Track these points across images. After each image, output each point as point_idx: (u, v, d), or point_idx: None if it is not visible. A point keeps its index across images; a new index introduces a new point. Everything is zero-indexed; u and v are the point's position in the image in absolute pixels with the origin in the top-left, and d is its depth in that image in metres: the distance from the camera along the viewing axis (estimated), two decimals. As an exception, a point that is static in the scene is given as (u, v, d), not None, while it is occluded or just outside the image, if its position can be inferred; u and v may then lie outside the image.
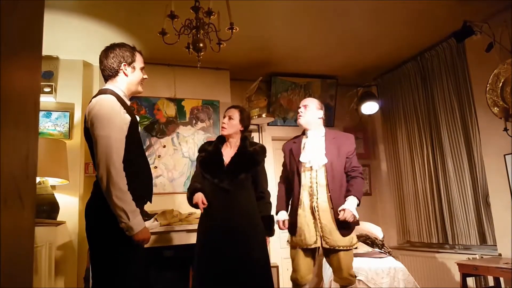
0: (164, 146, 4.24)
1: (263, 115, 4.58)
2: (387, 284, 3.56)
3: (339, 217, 2.63)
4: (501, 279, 3.47)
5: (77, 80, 4.09)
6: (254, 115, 4.50)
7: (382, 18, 3.65)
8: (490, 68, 3.49)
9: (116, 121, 1.84)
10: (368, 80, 5.25)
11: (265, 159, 2.87)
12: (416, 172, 4.63)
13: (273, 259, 4.14)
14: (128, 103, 2.01)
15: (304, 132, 2.95)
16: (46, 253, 3.09)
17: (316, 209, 2.70)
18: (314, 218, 2.72)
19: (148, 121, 4.24)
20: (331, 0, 3.29)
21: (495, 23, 3.46)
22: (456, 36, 3.61)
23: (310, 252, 2.77)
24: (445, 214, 4.23)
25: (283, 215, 2.88)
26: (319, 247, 2.74)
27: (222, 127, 2.83)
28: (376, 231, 4.44)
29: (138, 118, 2.20)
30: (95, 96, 1.93)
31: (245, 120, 2.84)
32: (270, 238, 2.90)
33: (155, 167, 4.13)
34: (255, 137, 5.03)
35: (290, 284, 2.89)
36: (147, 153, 3.86)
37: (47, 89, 3.82)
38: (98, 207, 1.85)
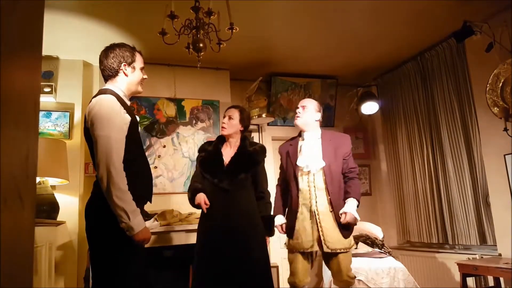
0: (164, 146, 4.24)
1: (263, 115, 4.58)
2: (387, 284, 3.56)
3: (341, 220, 2.65)
4: (501, 279, 3.47)
5: (77, 80, 4.09)
6: (254, 115, 4.50)
7: (382, 18, 3.65)
8: (490, 68, 3.49)
9: (116, 121, 1.84)
10: (368, 80, 5.25)
11: (265, 159, 2.87)
12: (416, 172, 4.63)
13: (273, 259, 4.14)
14: (128, 103, 2.02)
15: (300, 134, 2.93)
16: (46, 253, 3.09)
17: (316, 212, 2.70)
18: (313, 222, 2.71)
19: (148, 121, 4.24)
20: (331, 0, 3.29)
21: (495, 23, 3.46)
22: (456, 36, 3.61)
23: (308, 256, 2.77)
24: (445, 214, 4.23)
25: (280, 219, 2.88)
26: (316, 250, 2.75)
27: (222, 127, 2.83)
28: (376, 231, 4.44)
29: (138, 118, 2.20)
30: (95, 96, 1.93)
31: (245, 120, 2.84)
32: (270, 238, 2.90)
33: (155, 167, 4.13)
34: (255, 137, 5.03)
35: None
36: (147, 153, 3.86)
37: (47, 89, 3.83)
38: (98, 207, 1.85)
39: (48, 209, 3.31)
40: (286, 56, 4.46)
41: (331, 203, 2.70)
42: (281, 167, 3.02)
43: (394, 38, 4.08)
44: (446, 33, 4.00)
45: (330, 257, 2.73)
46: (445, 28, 3.88)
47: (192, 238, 3.38)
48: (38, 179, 3.39)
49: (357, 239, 4.28)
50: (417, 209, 4.63)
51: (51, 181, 3.52)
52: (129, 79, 2.01)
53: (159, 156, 4.20)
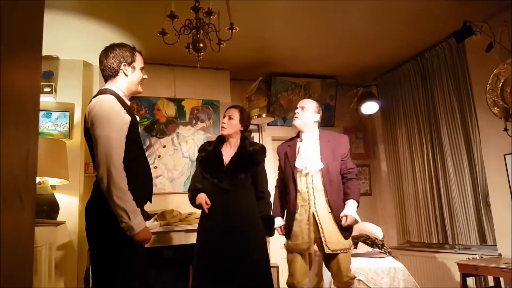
0: (164, 146, 4.24)
1: (263, 115, 4.58)
2: (387, 284, 3.56)
3: (342, 223, 2.67)
4: (501, 279, 3.46)
5: (77, 80, 4.09)
6: (254, 115, 4.50)
7: (382, 18, 3.65)
8: (490, 68, 3.49)
9: (116, 121, 1.84)
10: (368, 80, 5.25)
11: (265, 159, 2.87)
12: (416, 172, 4.63)
13: (273, 259, 4.14)
14: (128, 103, 2.02)
15: (298, 135, 2.93)
16: (46, 253, 3.09)
17: (316, 214, 2.70)
18: (312, 223, 2.71)
19: (148, 121, 4.24)
20: (331, 0, 3.29)
21: (495, 23, 3.46)
22: (456, 36, 3.61)
23: (306, 257, 2.77)
24: (445, 214, 4.23)
25: (279, 221, 2.89)
26: (315, 251, 2.76)
27: (222, 127, 2.83)
28: (376, 231, 4.44)
29: (138, 118, 2.20)
30: (95, 96, 1.93)
31: (245, 120, 2.83)
32: (270, 238, 2.90)
33: (155, 167, 4.13)
34: (255, 137, 5.03)
35: (289, 284, 2.89)
36: (147, 153, 3.86)
37: (47, 89, 3.83)
38: (98, 207, 1.85)
39: (48, 209, 3.31)
40: (286, 56, 4.46)
41: (329, 204, 2.70)
42: (280, 168, 3.02)
43: (394, 38, 4.08)
44: (446, 33, 4.00)
45: (330, 258, 2.74)
46: (445, 28, 3.88)
47: (192, 238, 3.38)
48: (38, 179, 3.39)
49: (357, 239, 4.28)
50: (417, 209, 4.63)
51: (51, 181, 3.52)
52: (129, 79, 2.01)
53: (159, 156, 4.20)
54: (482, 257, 3.61)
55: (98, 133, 1.80)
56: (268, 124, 4.98)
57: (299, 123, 2.85)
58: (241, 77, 4.78)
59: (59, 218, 3.46)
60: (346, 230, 2.72)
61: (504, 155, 3.52)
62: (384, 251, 4.16)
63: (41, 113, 3.86)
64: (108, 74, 1.99)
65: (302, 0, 3.25)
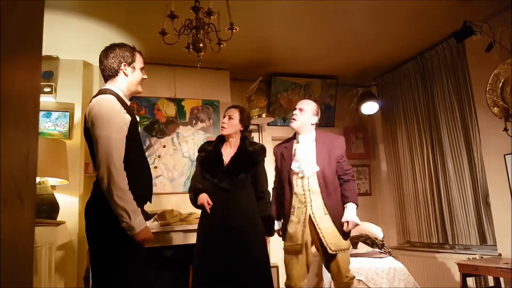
0: (164, 146, 4.24)
1: (263, 115, 4.58)
2: (387, 284, 3.56)
3: (344, 229, 2.70)
4: (501, 279, 3.46)
5: (77, 80, 4.09)
6: (254, 115, 4.50)
7: (382, 18, 3.65)
8: (490, 68, 3.49)
9: (116, 121, 1.84)
10: (368, 80, 5.25)
11: (265, 159, 2.87)
12: (416, 172, 4.63)
13: (273, 259, 4.14)
14: (128, 103, 2.02)
15: (295, 136, 2.92)
16: (46, 253, 3.09)
17: (313, 216, 2.71)
18: (306, 225, 2.72)
19: (148, 121, 4.24)
20: (331, 0, 3.29)
21: (495, 23, 3.46)
22: (456, 36, 3.61)
23: (304, 258, 2.77)
24: (445, 214, 4.23)
25: (276, 225, 2.89)
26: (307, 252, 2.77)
27: (222, 127, 2.82)
28: (376, 231, 4.44)
29: (138, 118, 2.20)
30: (95, 96, 1.93)
31: (245, 120, 2.83)
32: (270, 238, 2.91)
33: (155, 167, 4.13)
34: (255, 137, 5.03)
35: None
36: (147, 153, 3.86)
37: (47, 89, 3.83)
38: (98, 207, 1.85)
39: (48, 209, 3.31)
40: (286, 56, 4.46)
41: (326, 206, 2.71)
42: (276, 169, 3.01)
43: (394, 38, 4.08)
44: (446, 33, 4.00)
45: (329, 259, 2.74)
46: (445, 28, 3.88)
47: (192, 238, 3.38)
48: (38, 179, 3.39)
49: (357, 239, 4.28)
50: (417, 209, 4.63)
51: (51, 181, 3.52)
52: (129, 79, 2.01)
53: (159, 156, 4.20)
54: (482, 257, 3.61)
55: (98, 133, 1.80)
56: (268, 124, 4.98)
57: (297, 125, 2.84)
58: (241, 77, 4.78)
59: (59, 218, 3.46)
60: (345, 231, 2.73)
61: (504, 155, 3.52)
62: (384, 251, 4.16)
63: (41, 113, 3.86)
64: (108, 74, 1.99)
65: (302, 0, 3.25)
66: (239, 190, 2.67)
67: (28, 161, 0.67)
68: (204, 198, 2.61)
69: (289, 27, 3.77)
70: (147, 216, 2.00)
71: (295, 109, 2.88)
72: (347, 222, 2.69)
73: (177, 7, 2.51)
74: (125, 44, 2.04)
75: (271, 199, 2.94)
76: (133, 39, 3.60)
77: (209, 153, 2.82)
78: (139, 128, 2.16)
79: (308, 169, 2.73)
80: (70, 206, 3.76)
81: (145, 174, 2.03)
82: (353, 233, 4.15)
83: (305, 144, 2.82)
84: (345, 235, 2.73)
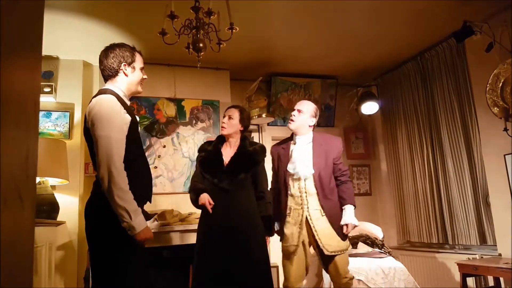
0: (164, 146, 4.24)
1: (263, 115, 4.58)
2: (387, 284, 3.56)
3: (344, 231, 2.71)
4: (501, 279, 3.46)
5: (77, 80, 4.09)
6: (254, 115, 4.50)
7: (382, 18, 3.65)
8: (490, 68, 3.49)
9: (116, 121, 1.84)
10: (368, 80, 5.25)
11: (265, 158, 2.87)
12: (416, 172, 4.63)
13: (273, 259, 4.14)
14: (128, 103, 2.02)
15: (292, 136, 2.92)
16: (46, 253, 3.09)
17: (309, 217, 2.71)
18: (302, 227, 2.72)
19: (148, 121, 4.24)
20: (331, 0, 3.29)
21: (495, 23, 3.45)
22: (456, 36, 3.61)
23: (301, 260, 2.76)
24: (445, 214, 4.23)
25: (276, 225, 2.89)
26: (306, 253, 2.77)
27: (222, 127, 2.82)
28: (376, 231, 4.44)
29: (138, 118, 2.20)
30: (95, 96, 1.93)
31: (245, 120, 2.83)
32: (270, 238, 2.91)
33: (155, 167, 4.13)
34: (255, 137, 5.03)
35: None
36: (147, 153, 3.86)
37: (47, 89, 3.83)
38: (98, 207, 1.85)
39: (48, 209, 3.31)
40: (286, 56, 4.46)
41: (323, 208, 2.71)
42: (273, 169, 3.00)
43: (394, 38, 4.08)
44: (446, 33, 4.00)
45: (327, 260, 2.74)
46: (445, 28, 3.88)
47: (192, 238, 3.38)
48: (38, 179, 3.39)
49: (357, 239, 4.28)
50: (417, 209, 4.63)
51: (51, 181, 3.52)
52: (129, 79, 2.01)
53: (159, 156, 4.20)
54: (482, 257, 3.61)
55: (98, 133, 1.80)
56: (268, 124, 4.98)
57: (294, 126, 2.84)
58: (241, 77, 4.78)
59: (59, 218, 3.46)
60: (343, 232, 2.74)
61: (504, 155, 3.52)
62: (384, 251, 4.16)
63: (41, 113, 3.86)
64: (108, 74, 1.99)
65: (302, 0, 3.25)
66: (239, 190, 2.67)
67: (28, 161, 0.67)
68: (205, 198, 2.61)
69: (289, 27, 3.77)
70: (147, 216, 2.00)
71: (293, 110, 2.87)
72: (346, 225, 2.71)
73: (177, 7, 2.51)
74: (125, 44, 2.04)
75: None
76: (133, 39, 3.59)
77: (209, 153, 2.82)
78: (139, 128, 2.17)
79: (303, 171, 2.73)
80: (70, 206, 3.76)
81: (145, 174, 2.03)
82: (353, 233, 4.16)
83: (302, 146, 2.82)
84: (344, 236, 2.73)
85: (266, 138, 5.00)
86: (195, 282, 2.64)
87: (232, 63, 4.47)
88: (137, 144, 2.02)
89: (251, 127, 4.73)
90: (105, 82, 2.02)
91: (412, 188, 4.70)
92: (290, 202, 2.77)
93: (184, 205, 3.73)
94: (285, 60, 4.55)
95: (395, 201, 5.01)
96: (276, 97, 4.98)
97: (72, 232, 3.77)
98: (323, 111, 5.18)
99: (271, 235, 2.86)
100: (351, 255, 3.77)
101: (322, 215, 2.71)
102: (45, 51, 3.91)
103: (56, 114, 3.94)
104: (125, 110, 1.91)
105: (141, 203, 1.92)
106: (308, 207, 2.71)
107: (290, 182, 2.78)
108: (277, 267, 4.24)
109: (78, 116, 4.02)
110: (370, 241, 4.31)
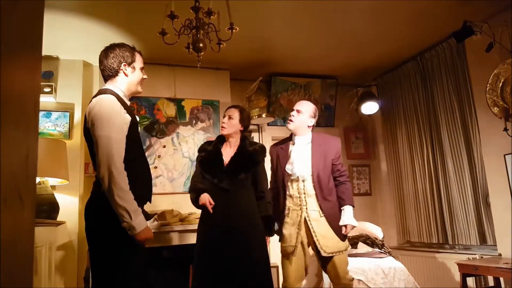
0: (164, 146, 4.24)
1: (263, 115, 4.58)
2: (387, 284, 3.56)
3: (343, 232, 2.71)
4: (501, 279, 3.46)
5: (77, 80, 4.09)
6: (254, 115, 4.50)
7: (382, 18, 3.65)
8: (490, 68, 3.49)
9: (116, 121, 1.84)
10: (368, 80, 5.25)
11: (265, 158, 2.87)
12: (416, 172, 4.63)
13: (273, 259, 4.14)
14: (128, 103, 2.02)
15: (291, 137, 2.91)
16: (46, 253, 3.09)
17: (308, 218, 2.71)
18: (301, 227, 2.72)
19: (148, 121, 4.24)
20: (331, 0, 3.29)
21: (495, 23, 3.46)
22: (456, 36, 3.61)
23: (299, 260, 2.76)
24: (445, 214, 4.23)
25: (276, 225, 2.89)
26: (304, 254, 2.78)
27: (222, 127, 2.82)
28: (376, 231, 4.44)
29: (138, 118, 2.20)
30: (95, 96, 1.93)
31: (245, 120, 2.83)
32: (270, 238, 2.90)
33: (155, 167, 4.13)
34: (255, 137, 5.03)
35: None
36: (147, 153, 3.86)
37: (47, 89, 3.83)
38: (98, 207, 1.85)
39: (48, 209, 3.31)
40: (286, 56, 4.46)
41: (322, 208, 2.71)
42: (272, 169, 3.00)
43: (394, 38, 4.08)
44: (446, 33, 4.00)
45: (326, 261, 2.74)
46: (445, 28, 3.88)
47: (192, 238, 3.38)
48: (38, 179, 3.39)
49: (357, 239, 4.28)
50: (417, 209, 4.63)
51: (51, 181, 3.52)
52: (129, 79, 2.01)
53: (159, 156, 4.20)
54: (482, 257, 3.61)
55: (98, 133, 1.80)
56: (268, 124, 4.98)
57: (293, 127, 2.83)
58: (241, 77, 4.78)
59: (59, 218, 3.46)
60: (342, 233, 2.74)
61: (504, 155, 3.52)
62: (384, 251, 4.16)
63: (41, 113, 3.86)
64: (108, 74, 1.99)
65: (302, 0, 3.25)
66: (239, 190, 2.67)
67: (28, 161, 0.67)
68: (206, 198, 2.61)
69: (289, 27, 3.77)
70: (147, 216, 2.00)
71: (292, 110, 2.86)
72: (345, 225, 2.71)
73: (177, 7, 2.51)
74: (125, 44, 2.04)
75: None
76: (133, 39, 3.60)
77: (209, 153, 2.82)
78: (139, 128, 2.16)
79: (301, 172, 2.73)
80: (70, 206, 3.76)
81: (145, 174, 2.03)
82: (353, 233, 4.16)
83: (300, 147, 2.82)
84: (343, 237, 2.73)
85: (266, 138, 5.00)
86: (195, 282, 2.64)
87: (232, 63, 4.47)
88: (137, 144, 2.02)
89: (251, 127, 4.73)
90: (105, 82, 2.02)
91: (412, 188, 4.70)
92: (289, 202, 2.77)
93: (184, 205, 3.73)
94: (285, 60, 4.55)
95: (395, 201, 5.01)
96: (276, 97, 4.98)
97: (72, 232, 3.77)
98: (323, 111, 5.18)
99: (271, 235, 2.86)
100: (351, 255, 3.78)
101: (321, 216, 2.70)
102: (45, 51, 3.91)
103: (56, 114, 3.94)
104: (125, 110, 1.91)
105: (141, 203, 1.92)
106: (306, 208, 2.71)
107: (289, 183, 2.78)
108: (277, 267, 4.24)
109: (78, 116, 4.02)
110: (370, 241, 4.31)
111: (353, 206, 2.78)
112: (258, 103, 4.69)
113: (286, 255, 2.77)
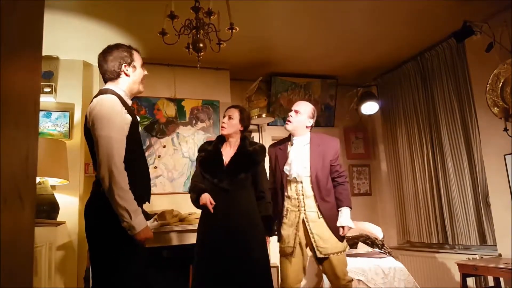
0: (164, 146, 4.24)
1: (263, 115, 4.58)
2: (387, 284, 3.56)
3: (341, 233, 2.71)
4: (501, 279, 3.46)
5: (77, 80, 4.09)
6: (254, 115, 4.50)
7: (382, 18, 3.65)
8: (490, 68, 3.49)
9: (116, 121, 1.84)
10: (368, 80, 5.25)
11: (265, 158, 2.87)
12: (416, 172, 4.63)
13: (273, 259, 4.14)
14: (130, 103, 2.02)
15: (289, 137, 2.91)
16: (46, 253, 3.09)
17: (306, 219, 2.71)
18: (299, 228, 2.72)
19: (148, 121, 4.24)
20: (331, 0, 3.29)
21: (495, 23, 3.46)
22: (456, 36, 3.61)
23: (298, 261, 2.76)
24: (445, 214, 4.23)
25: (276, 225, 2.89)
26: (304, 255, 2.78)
27: (222, 127, 2.82)
28: (376, 231, 4.44)
29: (138, 118, 2.20)
30: (96, 96, 1.92)
31: (245, 120, 2.83)
32: (270, 238, 2.90)
33: (155, 167, 4.13)
34: (255, 137, 5.03)
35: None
36: (147, 153, 3.86)
37: (47, 89, 3.83)
38: (97, 207, 1.85)
39: (48, 209, 3.31)
40: (286, 56, 4.46)
41: (320, 210, 2.71)
42: (270, 170, 2.99)
43: (394, 38, 4.08)
44: (446, 33, 4.00)
45: (324, 261, 2.74)
46: (445, 28, 3.88)
47: (192, 238, 3.38)
48: (38, 179, 3.39)
49: (357, 239, 4.28)
50: (417, 209, 4.63)
51: (51, 181, 3.52)
52: (131, 78, 2.01)
53: (159, 156, 4.20)
54: (482, 257, 3.61)
55: (99, 133, 1.80)
56: (268, 124, 4.98)
57: (291, 127, 2.83)
58: (241, 77, 4.78)
59: (59, 218, 3.46)
60: (340, 233, 2.74)
61: (504, 155, 3.52)
62: (384, 251, 4.16)
63: (41, 113, 3.86)
64: (110, 77, 1.99)
65: (302, 0, 3.25)
66: (239, 190, 2.67)
67: (28, 161, 0.67)
68: (206, 198, 2.61)
69: (289, 27, 3.77)
70: (147, 216, 2.00)
71: (291, 110, 2.86)
72: (343, 227, 2.71)
73: (177, 7, 2.51)
74: (120, 44, 2.03)
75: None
76: (133, 39, 3.60)
77: (209, 153, 2.82)
78: (139, 128, 2.16)
79: (299, 173, 2.73)
80: (70, 206, 3.76)
81: (144, 174, 2.03)
82: (353, 233, 4.16)
83: (299, 147, 2.81)
84: (341, 237, 2.74)
85: (266, 138, 5.00)
86: (195, 282, 2.64)
87: (232, 63, 4.47)
88: (138, 144, 2.02)
89: (251, 127, 4.73)
90: (105, 83, 2.02)
91: (412, 188, 4.70)
92: (287, 203, 2.77)
93: (184, 205, 3.73)
94: (285, 60, 4.55)
95: (395, 201, 5.01)
96: (276, 97, 4.98)
97: (72, 232, 3.77)
98: (323, 111, 5.18)
99: (271, 235, 2.86)
100: (351, 255, 3.78)
101: (320, 217, 2.70)
102: (45, 51, 3.91)
103: (56, 114, 3.94)
104: (126, 110, 1.90)
105: (140, 203, 1.92)
106: (304, 209, 2.72)
107: (287, 184, 2.78)
108: (277, 267, 4.23)
109: (78, 116, 4.02)
110: (370, 241, 4.31)
111: (351, 208, 2.78)
112: (258, 103, 4.69)
113: (285, 255, 2.77)
